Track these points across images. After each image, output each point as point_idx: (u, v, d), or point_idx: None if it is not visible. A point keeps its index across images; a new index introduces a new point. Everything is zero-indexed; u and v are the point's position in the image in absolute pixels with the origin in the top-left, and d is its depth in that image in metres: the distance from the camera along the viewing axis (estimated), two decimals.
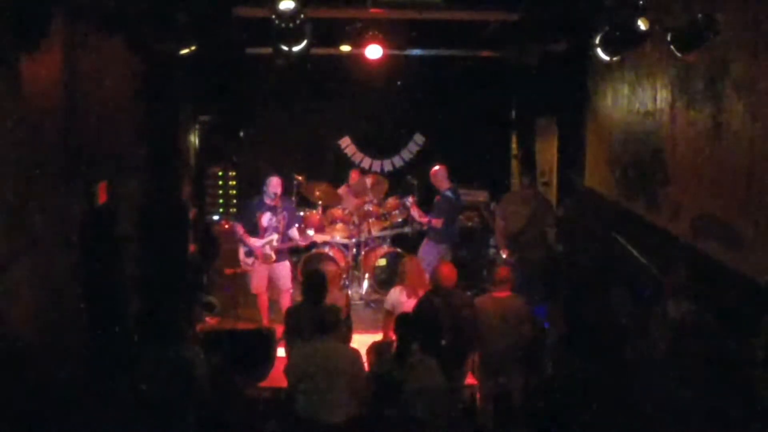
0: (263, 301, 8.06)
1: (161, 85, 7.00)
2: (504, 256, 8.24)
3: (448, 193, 8.67)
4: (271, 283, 8.00)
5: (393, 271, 8.49)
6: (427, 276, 6.55)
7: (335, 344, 5.06)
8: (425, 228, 8.99)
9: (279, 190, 7.89)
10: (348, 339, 6.17)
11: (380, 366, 5.21)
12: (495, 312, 5.95)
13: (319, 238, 8.71)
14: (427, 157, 10.80)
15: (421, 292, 6.14)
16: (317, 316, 5.53)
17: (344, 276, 8.99)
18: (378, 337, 6.46)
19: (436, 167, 8.80)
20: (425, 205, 9.15)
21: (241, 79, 9.15)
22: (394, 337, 6.22)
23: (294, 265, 8.77)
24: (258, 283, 7.99)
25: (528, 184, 8.62)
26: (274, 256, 7.91)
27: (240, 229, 7.93)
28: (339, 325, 5.70)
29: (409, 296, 6.19)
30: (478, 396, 6.18)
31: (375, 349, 6.36)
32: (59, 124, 4.78)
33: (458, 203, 8.93)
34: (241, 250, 8.02)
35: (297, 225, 8.27)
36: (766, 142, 4.24)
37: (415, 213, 9.01)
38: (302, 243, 8.33)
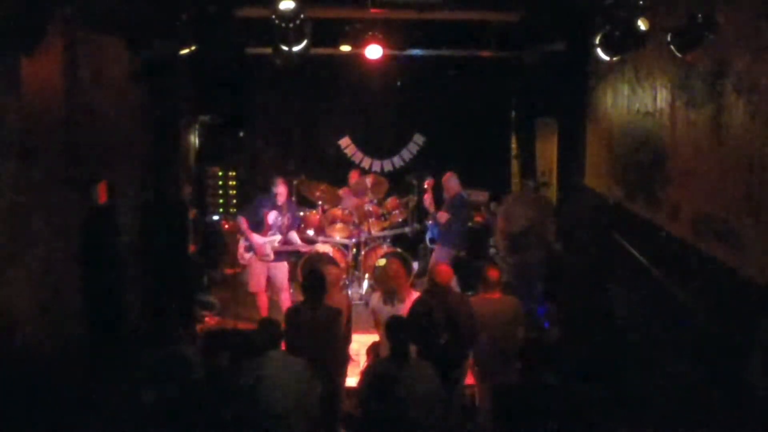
0: (263, 300, 8.08)
1: (161, 85, 7.01)
2: (502, 256, 8.26)
3: (463, 194, 8.81)
4: (269, 282, 8.03)
5: None
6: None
7: (285, 357, 4.90)
8: (429, 223, 9.08)
9: (285, 192, 7.95)
10: (347, 342, 6.16)
11: (376, 367, 5.21)
12: (486, 313, 5.91)
13: (320, 246, 8.74)
14: (427, 157, 10.83)
15: (398, 298, 6.13)
16: (315, 317, 5.53)
17: (344, 276, 8.98)
18: (377, 337, 6.46)
19: (448, 173, 8.90)
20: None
21: (241, 79, 9.17)
22: (380, 339, 6.23)
23: (294, 266, 8.78)
24: (256, 281, 8.01)
25: (532, 186, 8.62)
26: (272, 256, 7.94)
27: (244, 223, 7.94)
28: (336, 327, 5.70)
29: (385, 303, 6.18)
30: (477, 394, 6.18)
31: (373, 349, 6.36)
32: (59, 124, 4.78)
33: (469, 206, 9.05)
34: (242, 245, 8.02)
35: (296, 228, 8.31)
36: (766, 142, 4.23)
37: (427, 199, 9.13)
38: (302, 249, 8.36)
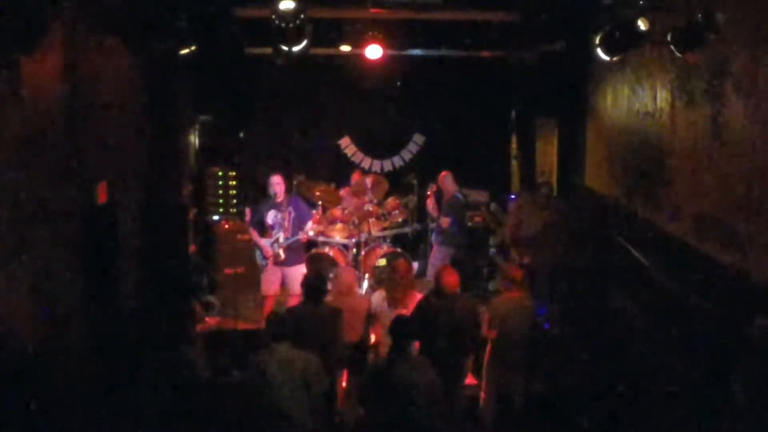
0: (270, 303, 8.03)
1: (161, 85, 7.00)
2: (513, 258, 8.27)
3: (459, 195, 8.83)
4: (282, 286, 7.99)
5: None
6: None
7: (291, 352, 4.86)
8: (432, 225, 9.10)
9: (281, 188, 7.93)
10: (368, 342, 6.17)
11: (377, 366, 5.22)
12: (508, 311, 5.98)
13: (316, 229, 8.69)
14: (427, 157, 10.83)
15: (403, 303, 6.12)
16: (315, 317, 5.53)
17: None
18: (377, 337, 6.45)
19: (444, 172, 8.93)
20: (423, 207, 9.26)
21: (241, 79, 9.16)
22: (379, 337, 6.24)
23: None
24: (269, 285, 7.98)
25: (545, 193, 8.54)
26: (283, 255, 7.90)
27: (253, 233, 7.99)
28: (336, 326, 5.70)
29: (389, 305, 6.17)
30: (482, 396, 6.17)
31: (373, 349, 6.36)
32: (59, 124, 4.77)
33: (466, 205, 9.10)
34: (258, 253, 8.07)
35: (309, 218, 8.19)
36: (766, 143, 4.24)
37: (430, 204, 9.25)
38: (303, 238, 8.27)
